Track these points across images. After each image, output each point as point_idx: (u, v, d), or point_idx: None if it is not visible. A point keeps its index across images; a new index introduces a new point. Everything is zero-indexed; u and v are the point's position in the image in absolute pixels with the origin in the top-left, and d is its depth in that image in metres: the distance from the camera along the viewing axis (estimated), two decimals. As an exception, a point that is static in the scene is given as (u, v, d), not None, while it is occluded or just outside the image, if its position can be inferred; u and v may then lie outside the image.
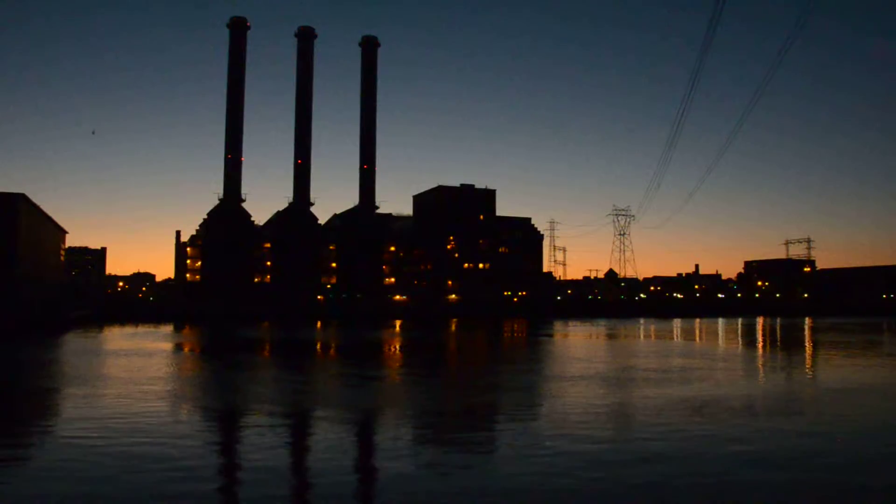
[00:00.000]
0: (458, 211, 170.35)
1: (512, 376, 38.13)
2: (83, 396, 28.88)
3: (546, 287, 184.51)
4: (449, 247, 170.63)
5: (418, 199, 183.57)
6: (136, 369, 39.29)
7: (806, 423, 23.48)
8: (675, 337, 76.64)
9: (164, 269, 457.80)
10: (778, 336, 78.80)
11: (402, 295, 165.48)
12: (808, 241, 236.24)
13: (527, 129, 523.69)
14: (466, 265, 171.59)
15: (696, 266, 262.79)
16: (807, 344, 65.22)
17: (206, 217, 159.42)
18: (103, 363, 43.49)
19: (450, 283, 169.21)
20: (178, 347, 60.21)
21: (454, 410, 27.39)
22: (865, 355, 51.02)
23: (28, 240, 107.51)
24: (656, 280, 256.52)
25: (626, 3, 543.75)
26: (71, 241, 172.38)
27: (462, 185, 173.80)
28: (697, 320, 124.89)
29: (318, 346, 63.21)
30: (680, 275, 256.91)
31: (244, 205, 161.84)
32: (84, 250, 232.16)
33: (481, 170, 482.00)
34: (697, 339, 73.96)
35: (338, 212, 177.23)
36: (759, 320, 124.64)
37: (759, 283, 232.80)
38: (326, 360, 50.13)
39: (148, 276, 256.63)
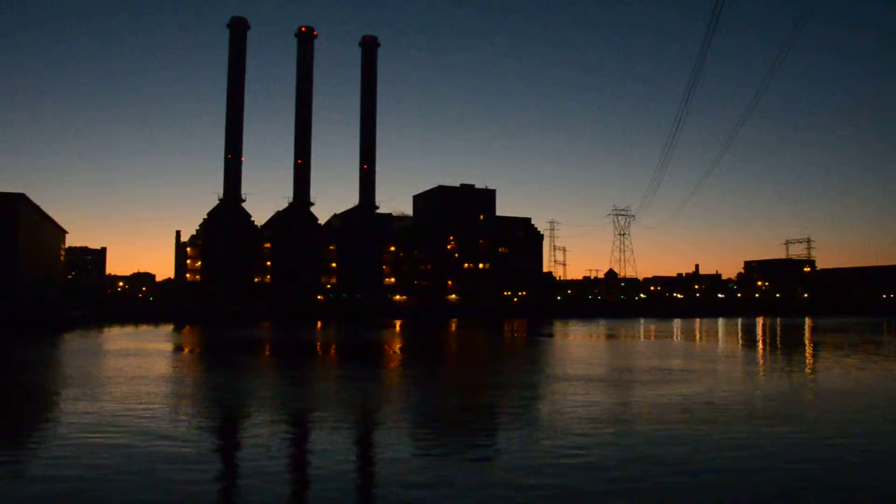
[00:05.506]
0: (458, 211, 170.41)
1: (511, 377, 38.12)
2: (80, 398, 28.86)
3: (546, 287, 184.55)
4: (449, 247, 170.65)
5: (418, 199, 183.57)
6: (134, 370, 39.28)
7: (800, 429, 23.48)
8: (674, 337, 76.61)
9: (164, 269, 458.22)
10: (778, 336, 78.77)
11: (402, 295, 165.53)
12: (808, 241, 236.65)
13: (527, 129, 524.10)
14: (466, 265, 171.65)
15: (696, 266, 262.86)
16: (807, 344, 65.18)
17: (206, 217, 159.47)
18: (102, 363, 43.47)
19: (450, 283, 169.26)
20: (178, 348, 60.21)
21: (452, 411, 27.39)
22: (866, 356, 50.96)
23: (28, 240, 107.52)
24: (656, 280, 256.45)
25: (626, 4, 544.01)
26: (71, 241, 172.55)
27: (462, 185, 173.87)
28: (697, 320, 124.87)
29: (318, 347, 63.21)
30: (680, 275, 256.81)
31: (244, 205, 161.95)
32: (84, 250, 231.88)
33: (481, 170, 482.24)
34: (697, 339, 73.93)
35: (338, 212, 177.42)
36: (759, 320, 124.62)
37: (759, 283, 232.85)
38: (326, 361, 50.13)
39: (148, 276, 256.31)
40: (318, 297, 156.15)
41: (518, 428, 22.83)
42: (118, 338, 70.00)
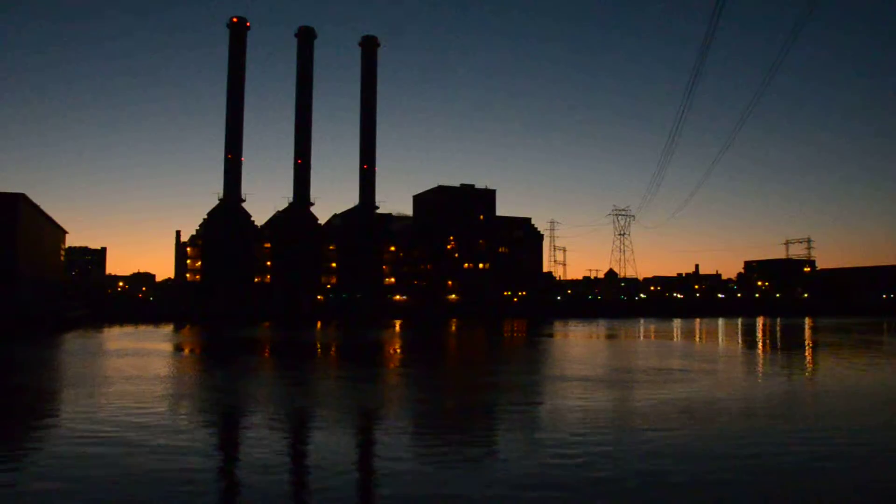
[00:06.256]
0: (458, 211, 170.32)
1: (510, 377, 38.09)
2: (79, 399, 28.83)
3: (546, 287, 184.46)
4: (449, 247, 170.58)
5: (418, 199, 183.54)
6: (133, 370, 39.25)
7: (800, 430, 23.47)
8: (674, 337, 76.59)
9: (164, 269, 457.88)
10: (778, 337, 78.74)
11: (402, 295, 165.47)
12: (808, 241, 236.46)
13: (527, 129, 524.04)
14: (466, 265, 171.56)
15: (696, 266, 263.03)
16: (807, 345, 65.15)
17: (206, 217, 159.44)
18: (101, 364, 43.44)
19: (450, 283, 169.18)
20: (178, 348, 60.18)
21: (452, 412, 27.37)
22: (866, 356, 50.93)
23: (28, 240, 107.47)
24: (656, 280, 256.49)
25: (626, 4, 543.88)
26: (71, 241, 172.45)
27: (462, 185, 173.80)
28: (697, 320, 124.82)
29: (318, 347, 63.19)
30: (680, 275, 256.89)
31: (244, 205, 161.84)
32: (84, 250, 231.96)
33: (481, 170, 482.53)
34: (697, 339, 73.91)
35: (338, 212, 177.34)
36: (759, 320, 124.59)
37: (759, 283, 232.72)
38: (326, 361, 50.11)
39: (148, 276, 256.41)
40: (318, 297, 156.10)
41: (517, 431, 22.80)
42: (118, 338, 69.97)
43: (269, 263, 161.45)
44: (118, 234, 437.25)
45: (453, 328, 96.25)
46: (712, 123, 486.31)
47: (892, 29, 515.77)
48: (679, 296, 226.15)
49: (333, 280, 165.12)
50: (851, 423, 23.68)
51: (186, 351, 58.28)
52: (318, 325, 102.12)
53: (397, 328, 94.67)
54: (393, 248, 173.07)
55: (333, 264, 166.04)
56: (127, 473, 16.44)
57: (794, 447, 19.74)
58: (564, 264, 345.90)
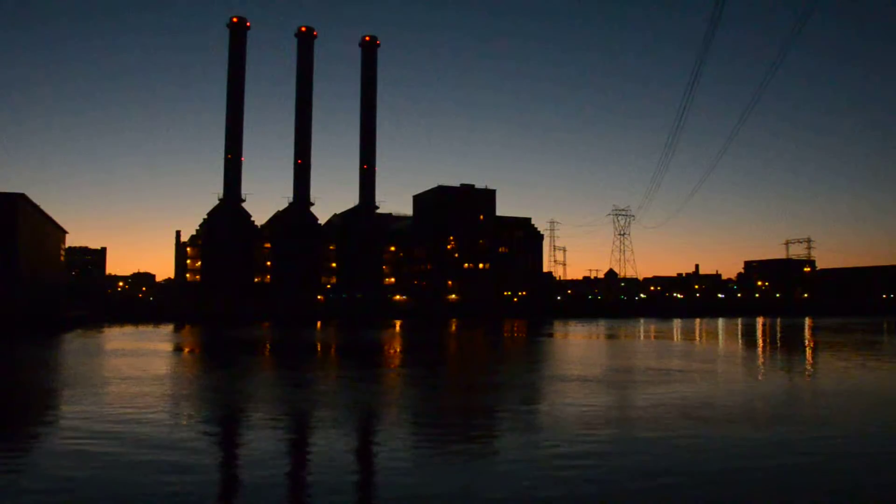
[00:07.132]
0: (458, 211, 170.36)
1: (511, 377, 38.07)
2: (77, 399, 28.80)
3: (546, 287, 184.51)
4: (449, 247, 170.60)
5: (418, 199, 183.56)
6: (132, 370, 39.22)
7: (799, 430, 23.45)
8: (674, 338, 76.56)
9: (164, 269, 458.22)
10: (778, 337, 78.72)
11: (402, 295, 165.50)
12: (808, 241, 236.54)
13: (527, 129, 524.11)
14: (466, 265, 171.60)
15: (696, 266, 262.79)
16: (807, 345, 65.12)
17: (206, 217, 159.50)
18: (100, 364, 43.40)
19: (450, 283, 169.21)
20: (178, 348, 60.16)
21: (452, 412, 27.34)
22: (866, 356, 50.89)
23: (28, 240, 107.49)
24: (656, 280, 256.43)
25: (626, 4, 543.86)
26: (71, 241, 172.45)
27: (462, 185, 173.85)
28: (697, 320, 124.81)
29: (318, 347, 63.17)
30: (680, 275, 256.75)
31: (244, 205, 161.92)
32: (84, 250, 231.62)
33: (481, 170, 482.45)
34: (697, 339, 73.88)
35: (338, 212, 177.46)
36: (759, 320, 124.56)
37: (759, 283, 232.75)
38: (326, 361, 50.08)
39: (148, 276, 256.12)
40: (318, 297, 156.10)
41: (517, 431, 22.78)
42: (118, 338, 69.97)
43: (269, 263, 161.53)
44: (118, 234, 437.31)
45: (453, 328, 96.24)
46: (712, 123, 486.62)
47: (892, 29, 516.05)
48: (679, 296, 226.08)
49: (333, 280, 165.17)
50: (853, 424, 23.65)
51: (186, 351, 58.26)
52: (318, 325, 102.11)
53: (397, 328, 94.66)
54: (393, 248, 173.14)
55: (333, 264, 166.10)
56: (125, 476, 16.41)
57: (796, 452, 19.70)
58: (564, 264, 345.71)
